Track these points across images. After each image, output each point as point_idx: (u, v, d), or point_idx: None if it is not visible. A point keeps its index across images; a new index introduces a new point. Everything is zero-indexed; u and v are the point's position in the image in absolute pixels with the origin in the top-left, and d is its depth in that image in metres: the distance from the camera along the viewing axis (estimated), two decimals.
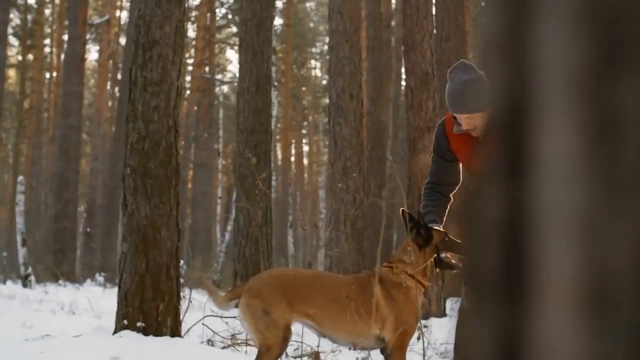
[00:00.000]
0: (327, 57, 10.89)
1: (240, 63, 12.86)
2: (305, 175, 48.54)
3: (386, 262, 5.10)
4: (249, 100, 12.66)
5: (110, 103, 36.53)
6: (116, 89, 39.55)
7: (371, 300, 4.73)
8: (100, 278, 23.58)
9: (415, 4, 10.48)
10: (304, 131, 49.68)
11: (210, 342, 7.61)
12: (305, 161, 51.79)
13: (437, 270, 5.23)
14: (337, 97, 10.58)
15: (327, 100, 50.37)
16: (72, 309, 11.97)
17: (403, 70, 10.71)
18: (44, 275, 23.42)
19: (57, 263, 24.90)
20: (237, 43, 17.55)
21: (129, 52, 31.32)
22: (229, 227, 33.19)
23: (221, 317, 8.53)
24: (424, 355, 6.13)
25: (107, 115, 34.30)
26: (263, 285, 4.75)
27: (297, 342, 7.23)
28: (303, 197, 47.65)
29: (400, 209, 5.08)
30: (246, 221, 12.58)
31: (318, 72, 52.87)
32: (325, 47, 49.81)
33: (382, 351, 4.91)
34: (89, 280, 23.72)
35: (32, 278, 18.32)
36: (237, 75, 14.51)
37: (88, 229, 28.64)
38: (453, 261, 5.04)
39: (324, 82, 52.36)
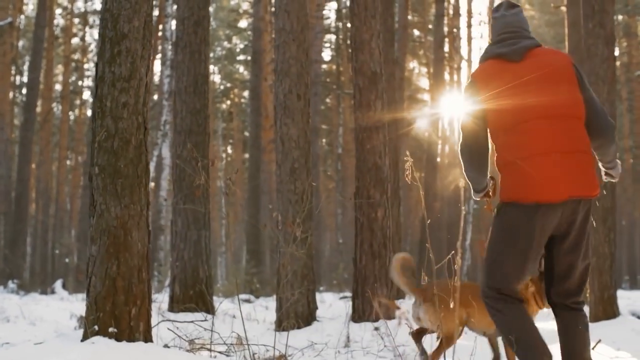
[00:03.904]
0: (274, 56, 10.66)
1: (177, 62, 12.57)
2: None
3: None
4: (187, 100, 12.38)
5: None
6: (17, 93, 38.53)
7: None
8: (12, 285, 22.89)
9: (364, 3, 10.39)
10: None
11: (166, 347, 7.42)
12: None
13: None
14: (284, 97, 10.39)
15: (224, 106, 50.05)
16: (5, 316, 11.51)
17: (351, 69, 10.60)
18: None
19: None
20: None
21: (35, 55, 30.60)
22: None
23: (173, 321, 8.35)
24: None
25: (8, 120, 33.28)
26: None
27: (270, 347, 7.20)
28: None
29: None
30: (185, 224, 12.30)
31: (217, 78, 52.45)
32: (224, 52, 49.55)
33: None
34: (1, 288, 22.97)
35: None
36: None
37: None
38: None
39: (222, 87, 52.03)
